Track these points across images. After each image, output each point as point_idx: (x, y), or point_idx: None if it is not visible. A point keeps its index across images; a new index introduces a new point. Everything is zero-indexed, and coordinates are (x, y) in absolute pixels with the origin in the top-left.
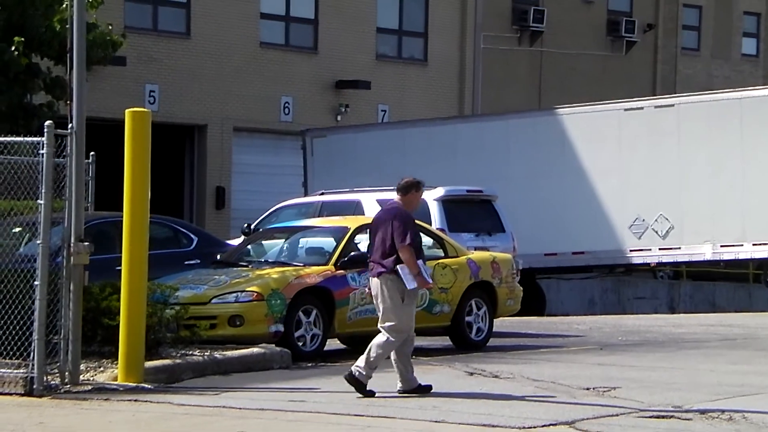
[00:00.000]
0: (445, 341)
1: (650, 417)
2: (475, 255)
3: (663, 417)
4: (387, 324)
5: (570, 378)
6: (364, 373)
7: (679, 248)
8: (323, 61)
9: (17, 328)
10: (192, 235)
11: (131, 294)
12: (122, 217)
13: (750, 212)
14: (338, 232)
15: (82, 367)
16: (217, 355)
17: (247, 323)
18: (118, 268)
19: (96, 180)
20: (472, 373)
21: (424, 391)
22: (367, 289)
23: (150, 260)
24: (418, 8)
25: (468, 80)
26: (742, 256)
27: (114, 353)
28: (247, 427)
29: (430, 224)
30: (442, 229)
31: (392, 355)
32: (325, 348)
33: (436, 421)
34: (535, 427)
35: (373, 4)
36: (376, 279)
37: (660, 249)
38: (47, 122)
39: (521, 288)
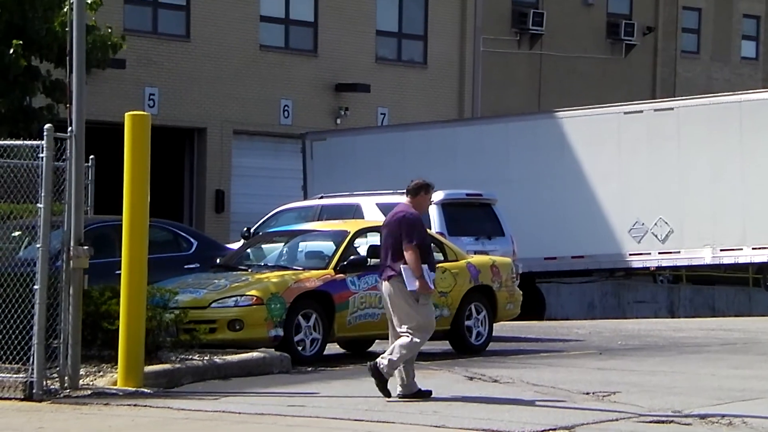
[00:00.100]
0: (444, 346)
1: (650, 422)
2: (475, 259)
3: (663, 422)
4: (406, 326)
5: (570, 382)
6: (386, 370)
7: (679, 252)
8: (323, 64)
9: (17, 332)
10: (191, 239)
11: (131, 298)
12: (122, 220)
13: (750, 216)
14: (338, 236)
15: (82, 371)
16: (217, 359)
17: (246, 327)
18: (118, 271)
19: (96, 183)
20: (471, 378)
21: (424, 396)
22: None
23: (149, 264)
24: (417, 11)
25: (467, 83)
26: (741, 260)
27: (114, 357)
28: None
29: (430, 228)
30: (441, 233)
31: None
32: (325, 352)
33: (436, 426)
34: None
35: (373, 7)
36: (386, 282)
37: (660, 253)
38: (47, 125)
39: (521, 292)
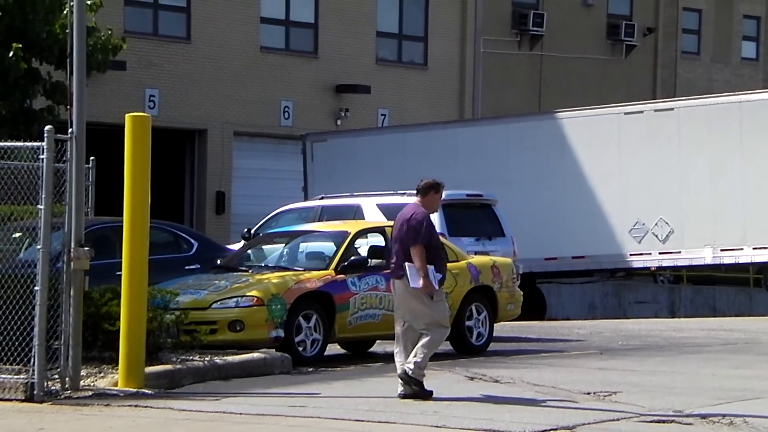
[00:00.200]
0: (445, 346)
1: (651, 422)
2: (476, 259)
3: (664, 422)
4: (424, 324)
5: (571, 382)
6: (415, 372)
7: (680, 252)
8: (323, 65)
9: (17, 333)
10: (192, 240)
11: (131, 299)
12: (122, 222)
13: (750, 216)
14: (338, 237)
15: (83, 372)
16: (218, 360)
17: (247, 328)
18: (119, 273)
19: (96, 185)
20: (472, 378)
21: (425, 396)
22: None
23: (150, 265)
24: (418, 12)
25: (468, 84)
26: (742, 260)
27: (114, 358)
28: None
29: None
30: (442, 234)
31: (396, 357)
32: (326, 353)
33: (437, 426)
34: None
35: (373, 8)
36: (398, 281)
37: (660, 253)
38: (47, 127)
39: (521, 292)
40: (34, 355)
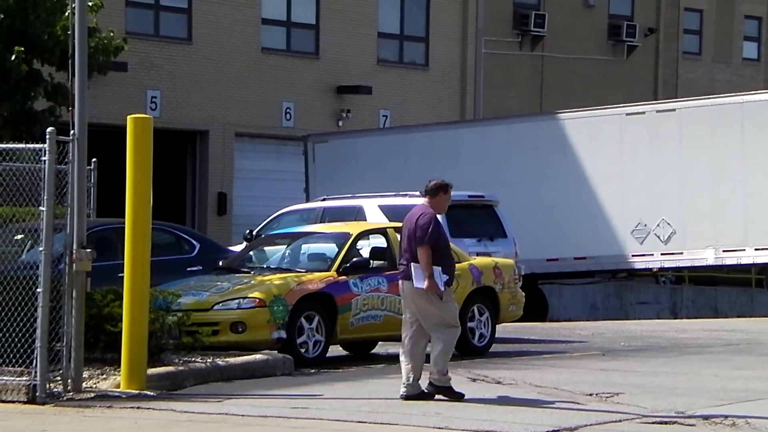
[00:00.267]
0: None
1: (653, 423)
2: (477, 260)
3: (666, 423)
4: (433, 324)
5: (573, 384)
6: (440, 379)
7: (682, 253)
8: (324, 66)
9: (20, 335)
10: (194, 242)
11: (133, 300)
12: (124, 223)
13: (752, 217)
14: (340, 238)
15: (85, 374)
16: (220, 361)
17: (249, 330)
18: (121, 274)
19: (98, 186)
20: (474, 379)
21: (427, 397)
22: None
23: (152, 267)
24: (419, 13)
25: (469, 85)
26: (744, 261)
27: (116, 360)
28: None
29: None
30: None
31: (402, 357)
32: (328, 354)
33: (439, 428)
34: None
35: (375, 9)
36: (407, 282)
37: (662, 254)
38: (49, 129)
39: (523, 293)
40: (37, 357)
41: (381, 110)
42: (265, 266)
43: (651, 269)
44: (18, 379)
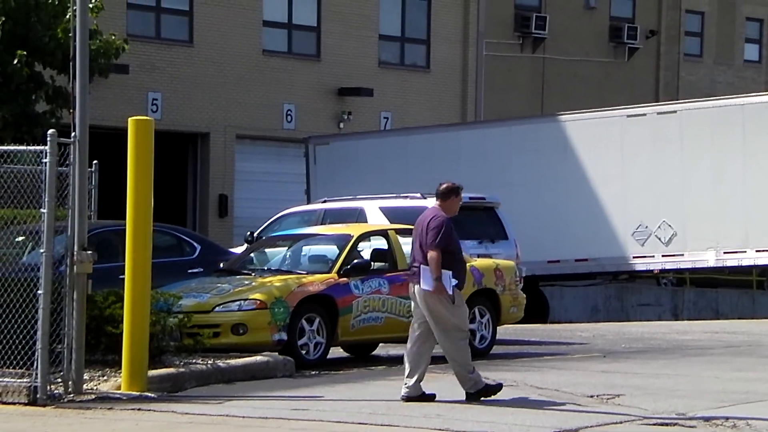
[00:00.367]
0: None
1: (654, 425)
2: (478, 262)
3: (667, 425)
4: (442, 328)
5: (574, 385)
6: (470, 382)
7: (683, 255)
8: (326, 69)
9: (20, 337)
10: (195, 244)
11: (134, 302)
12: (125, 225)
13: (753, 218)
14: (341, 240)
15: (86, 376)
16: (221, 363)
17: (250, 331)
18: (122, 276)
19: (99, 188)
20: None
21: (428, 399)
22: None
23: (153, 268)
24: (420, 15)
25: (470, 87)
26: (745, 263)
27: (117, 362)
28: None
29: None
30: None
31: (407, 358)
32: (329, 356)
33: (439, 429)
34: None
35: (376, 11)
36: (418, 285)
37: (663, 256)
38: (50, 131)
39: (524, 295)
40: (37, 359)
41: (382, 112)
42: (266, 268)
43: (652, 271)
44: (19, 380)
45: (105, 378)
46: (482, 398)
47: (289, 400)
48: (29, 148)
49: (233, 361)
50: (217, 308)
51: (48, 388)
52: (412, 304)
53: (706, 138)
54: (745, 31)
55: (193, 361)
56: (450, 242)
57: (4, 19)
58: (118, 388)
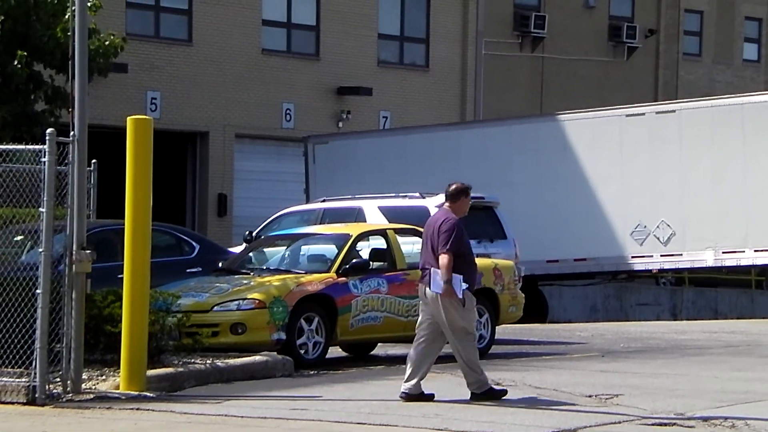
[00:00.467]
0: (447, 349)
1: (653, 424)
2: (477, 262)
3: (666, 424)
4: (457, 331)
5: (572, 385)
6: (478, 383)
7: (681, 254)
8: (325, 68)
9: (19, 336)
10: (194, 243)
11: (133, 302)
12: (124, 224)
13: (752, 218)
14: (340, 239)
15: (85, 375)
16: (220, 363)
17: (249, 331)
18: (121, 275)
19: (98, 187)
20: None
21: (427, 399)
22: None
23: (152, 268)
24: (419, 14)
25: (470, 86)
26: (744, 263)
27: (116, 361)
28: None
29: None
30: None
31: (411, 356)
32: (328, 356)
33: (438, 429)
34: None
35: (375, 10)
36: (429, 287)
37: (662, 255)
38: (49, 130)
39: (523, 295)
40: (36, 358)
41: (381, 111)
42: (264, 267)
43: (651, 270)
44: (17, 380)
45: (104, 377)
46: (490, 397)
47: (288, 400)
48: (28, 147)
49: (232, 361)
50: (215, 308)
51: (47, 387)
52: (421, 304)
53: (705, 137)
54: (744, 30)
55: (192, 360)
56: (461, 245)
57: (3, 18)
58: (117, 387)
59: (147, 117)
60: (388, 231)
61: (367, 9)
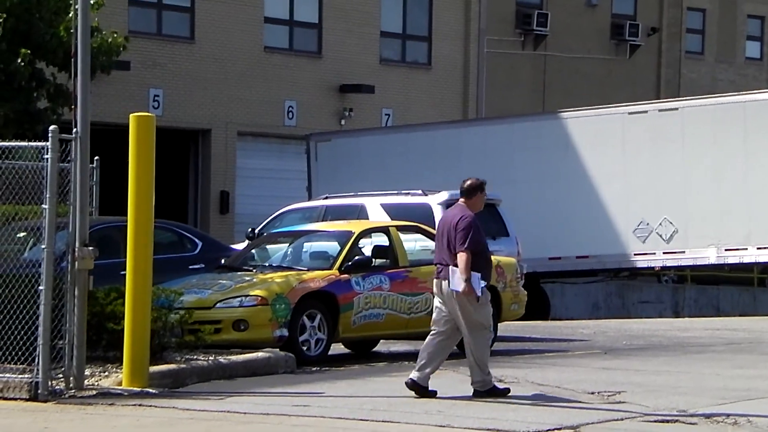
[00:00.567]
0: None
1: (655, 421)
2: None
3: (668, 421)
4: (473, 326)
5: (575, 382)
6: (483, 382)
7: (684, 252)
8: (327, 65)
9: (22, 333)
10: (196, 240)
11: (136, 298)
12: (127, 221)
13: (754, 216)
14: (342, 237)
15: (87, 371)
16: (222, 359)
17: (251, 328)
18: (123, 272)
19: (100, 185)
20: None
21: (429, 395)
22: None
23: (154, 265)
24: (422, 12)
25: (472, 84)
26: (746, 260)
27: (119, 358)
28: None
29: (434, 228)
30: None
31: (426, 347)
32: (330, 352)
33: (440, 426)
34: None
35: (377, 8)
36: (446, 281)
37: (664, 253)
38: (52, 127)
39: (525, 292)
40: (39, 355)
41: (383, 109)
42: (267, 264)
43: (653, 268)
44: (20, 376)
45: (106, 374)
46: (493, 395)
47: (291, 396)
48: (31, 144)
49: (234, 358)
50: (218, 304)
51: (49, 383)
52: (436, 300)
53: (708, 135)
54: (746, 28)
55: (195, 357)
56: (478, 243)
57: (5, 16)
58: (120, 384)
59: (150, 114)
60: (390, 228)
61: (369, 7)
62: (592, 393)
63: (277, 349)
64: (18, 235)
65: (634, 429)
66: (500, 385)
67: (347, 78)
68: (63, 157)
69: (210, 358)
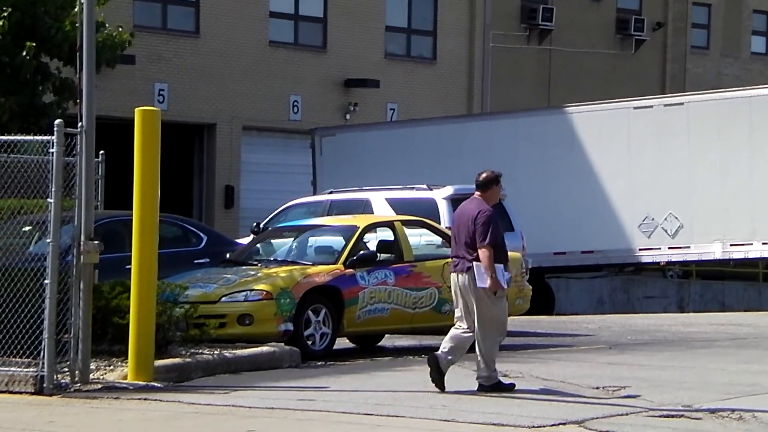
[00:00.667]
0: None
1: (660, 416)
2: None
3: (673, 416)
4: (485, 321)
5: (579, 377)
6: (488, 378)
7: (689, 247)
8: (332, 60)
9: (27, 326)
10: (201, 234)
11: (141, 293)
12: (132, 215)
13: (760, 211)
14: (347, 231)
15: (92, 365)
16: (227, 353)
17: (256, 322)
18: (128, 266)
19: (106, 179)
20: None
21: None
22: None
23: (159, 259)
24: (426, 7)
25: (477, 79)
26: (751, 255)
27: (124, 352)
28: (257, 426)
29: (439, 223)
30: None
31: (452, 336)
32: (335, 347)
33: (445, 420)
34: (544, 427)
35: (382, 3)
36: (462, 275)
37: (669, 248)
38: (57, 121)
39: (530, 287)
40: (44, 349)
41: (388, 104)
42: (272, 259)
43: (658, 263)
44: (25, 370)
45: (111, 368)
46: (498, 390)
47: (295, 391)
48: (36, 138)
49: (239, 352)
50: (223, 299)
51: (54, 377)
52: (453, 294)
53: (713, 130)
54: (751, 23)
55: (200, 351)
56: (497, 237)
57: (11, 10)
58: (125, 377)
59: (155, 108)
60: (395, 223)
61: (374, 1)
62: (597, 388)
63: (282, 344)
64: (23, 229)
65: (639, 424)
66: (505, 380)
67: (352, 73)
68: (68, 151)
69: (215, 352)
